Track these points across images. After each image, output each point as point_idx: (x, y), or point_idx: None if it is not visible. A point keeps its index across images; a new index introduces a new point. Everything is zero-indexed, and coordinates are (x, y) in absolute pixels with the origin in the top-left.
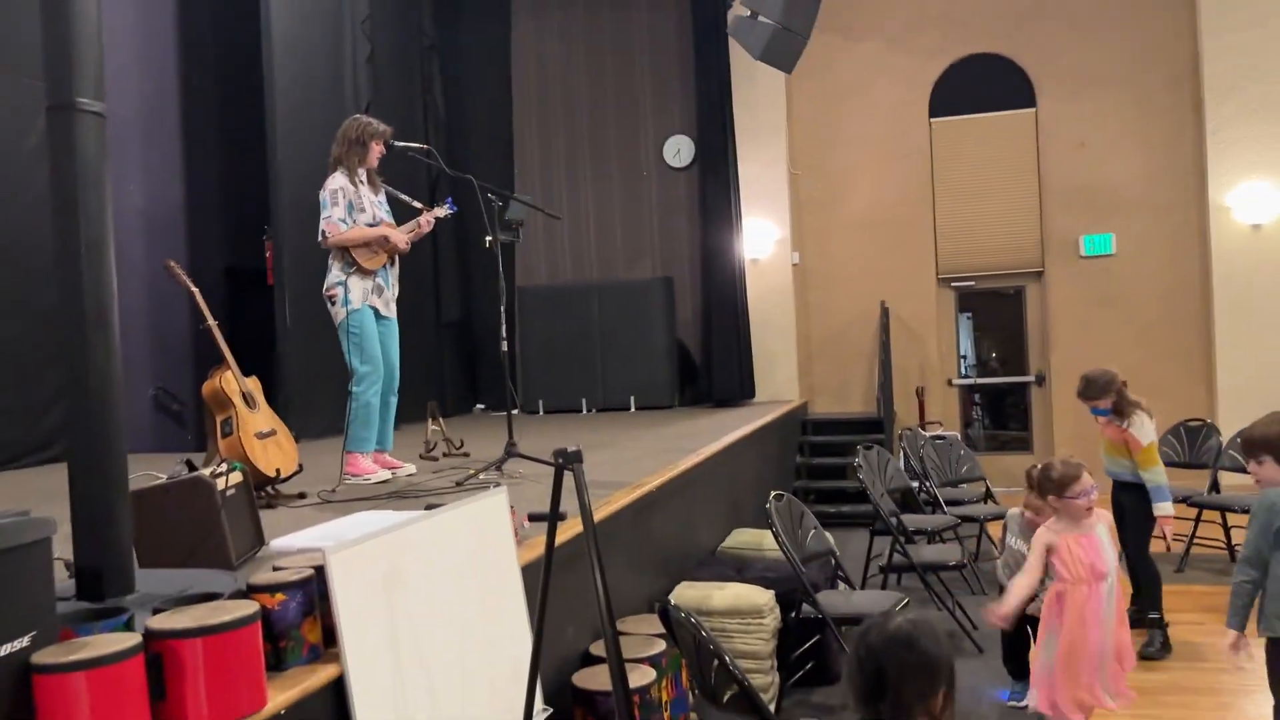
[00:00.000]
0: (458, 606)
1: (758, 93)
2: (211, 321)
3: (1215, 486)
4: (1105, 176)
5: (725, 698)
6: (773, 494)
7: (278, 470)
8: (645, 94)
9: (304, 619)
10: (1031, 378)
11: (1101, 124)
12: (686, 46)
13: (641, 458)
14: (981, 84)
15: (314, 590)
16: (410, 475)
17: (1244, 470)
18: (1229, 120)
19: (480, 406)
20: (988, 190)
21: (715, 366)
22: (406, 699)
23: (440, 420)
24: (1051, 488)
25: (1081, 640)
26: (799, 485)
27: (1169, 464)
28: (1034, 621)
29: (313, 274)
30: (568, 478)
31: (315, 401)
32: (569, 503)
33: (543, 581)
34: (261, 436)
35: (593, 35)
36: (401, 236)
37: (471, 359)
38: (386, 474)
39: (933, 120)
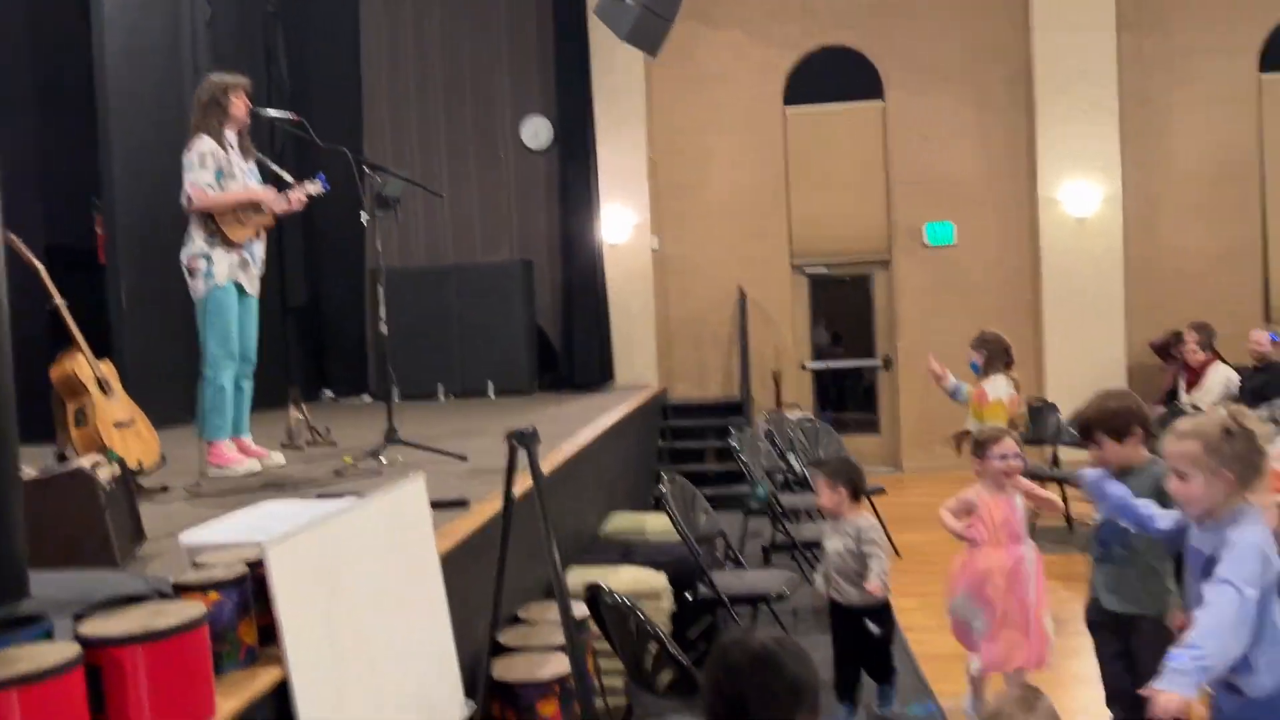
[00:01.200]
0: (385, 597)
1: (617, 77)
2: (59, 300)
3: (1055, 461)
4: (947, 169)
5: (665, 683)
6: (664, 475)
7: (140, 463)
8: (502, 73)
9: (240, 620)
10: (879, 361)
11: (944, 119)
12: (546, 26)
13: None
14: (834, 75)
15: (249, 588)
16: (280, 465)
17: (1081, 446)
18: (1058, 119)
19: (329, 394)
20: (839, 180)
21: (575, 351)
22: (345, 696)
23: (303, 408)
24: (975, 449)
25: (1013, 602)
26: (661, 469)
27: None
28: (876, 617)
29: (151, 251)
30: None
31: (155, 390)
32: (472, 488)
33: (499, 560)
34: (120, 426)
35: (448, 8)
36: (280, 203)
37: (319, 344)
38: (255, 463)
39: (788, 109)
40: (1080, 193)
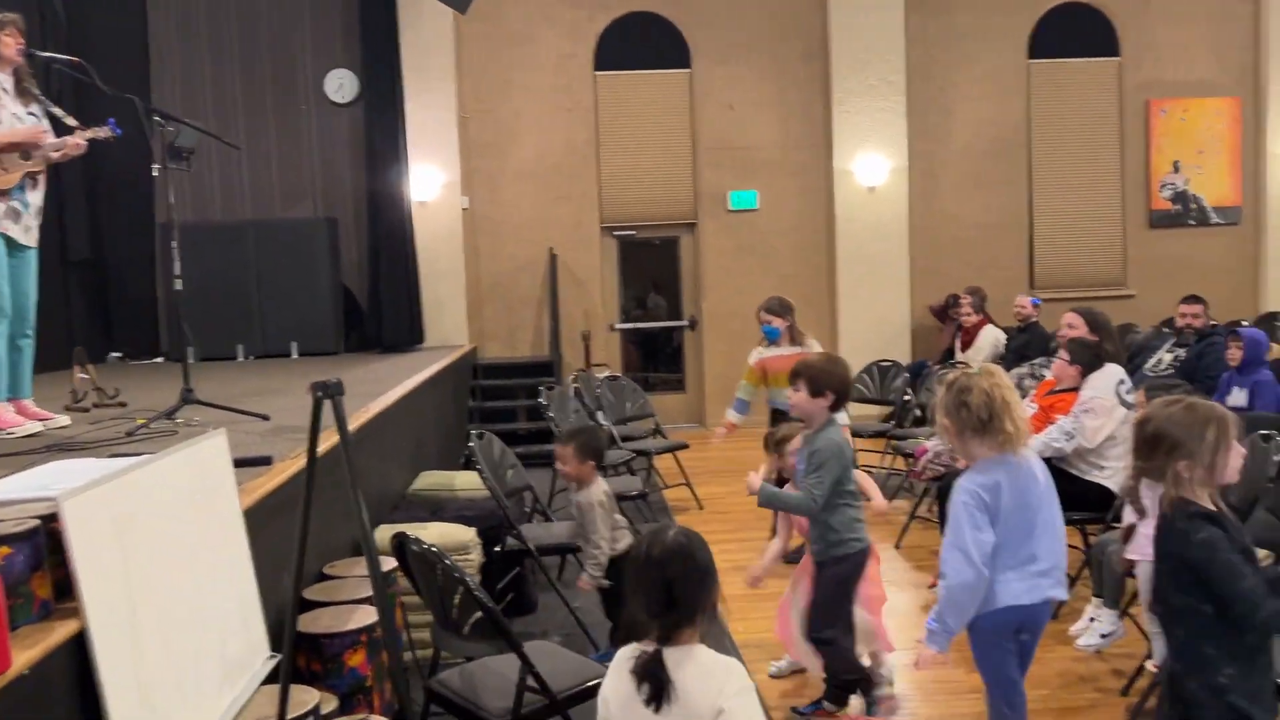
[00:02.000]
0: (185, 551)
1: (426, 33)
2: None
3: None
4: (750, 138)
5: (468, 625)
6: (473, 432)
7: None
8: (304, 21)
9: (33, 573)
10: (685, 322)
11: (747, 89)
12: None
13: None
14: (643, 42)
15: (42, 542)
16: (63, 427)
17: (866, 401)
18: (852, 93)
19: (116, 355)
20: (648, 145)
21: (384, 311)
22: (145, 649)
23: (89, 368)
24: (774, 446)
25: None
26: (472, 428)
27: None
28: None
29: None
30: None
31: None
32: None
33: (303, 513)
34: None
35: None
36: (55, 146)
37: (105, 302)
38: (36, 425)
39: (598, 74)
40: (870, 164)
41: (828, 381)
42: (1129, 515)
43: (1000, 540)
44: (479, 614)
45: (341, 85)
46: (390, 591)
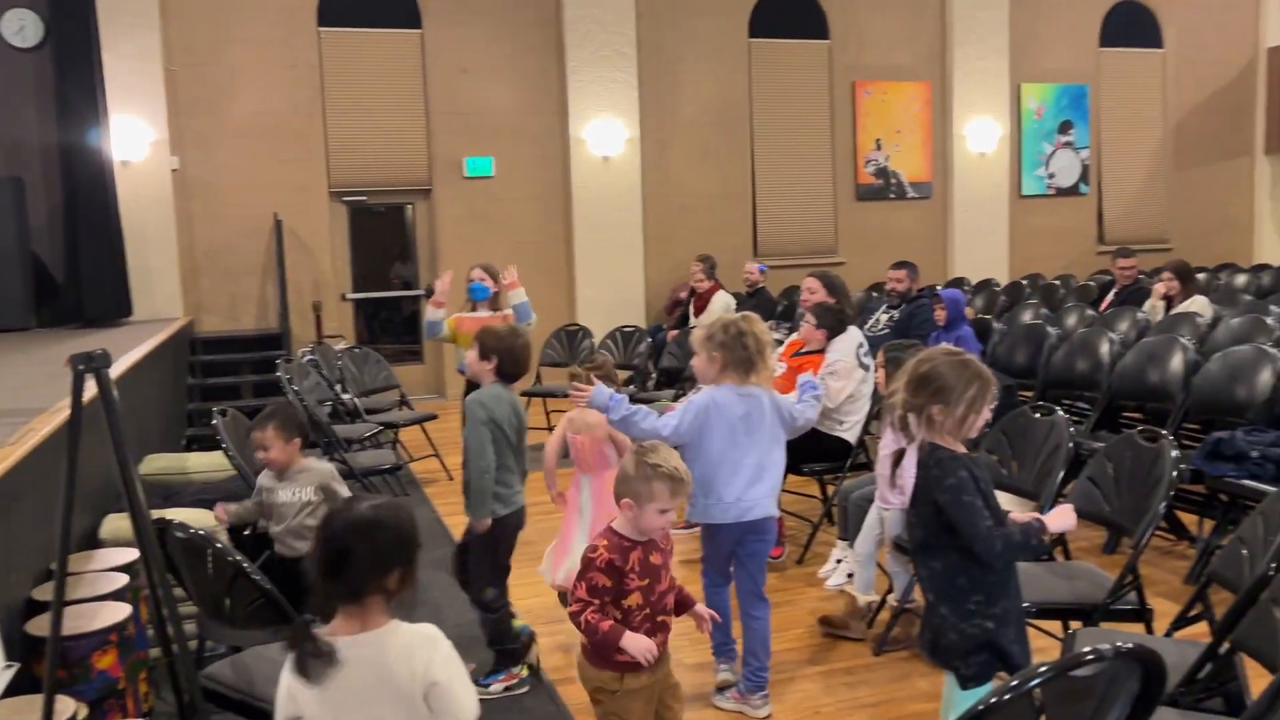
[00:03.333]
0: None
1: None
2: None
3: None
4: (485, 103)
5: (245, 610)
6: (216, 410)
7: None
8: None
9: None
10: (422, 291)
11: (481, 53)
12: None
13: (25, 386)
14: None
15: None
16: None
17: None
18: (585, 62)
19: None
20: (378, 107)
21: (84, 282)
22: None
23: None
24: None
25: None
26: (193, 407)
27: (551, 364)
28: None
29: None
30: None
31: None
32: None
33: (65, 503)
34: None
35: None
36: None
37: None
38: None
39: (322, 30)
40: (605, 134)
41: (495, 347)
42: (883, 462)
43: (727, 456)
44: (257, 599)
45: (23, 27)
46: (134, 586)
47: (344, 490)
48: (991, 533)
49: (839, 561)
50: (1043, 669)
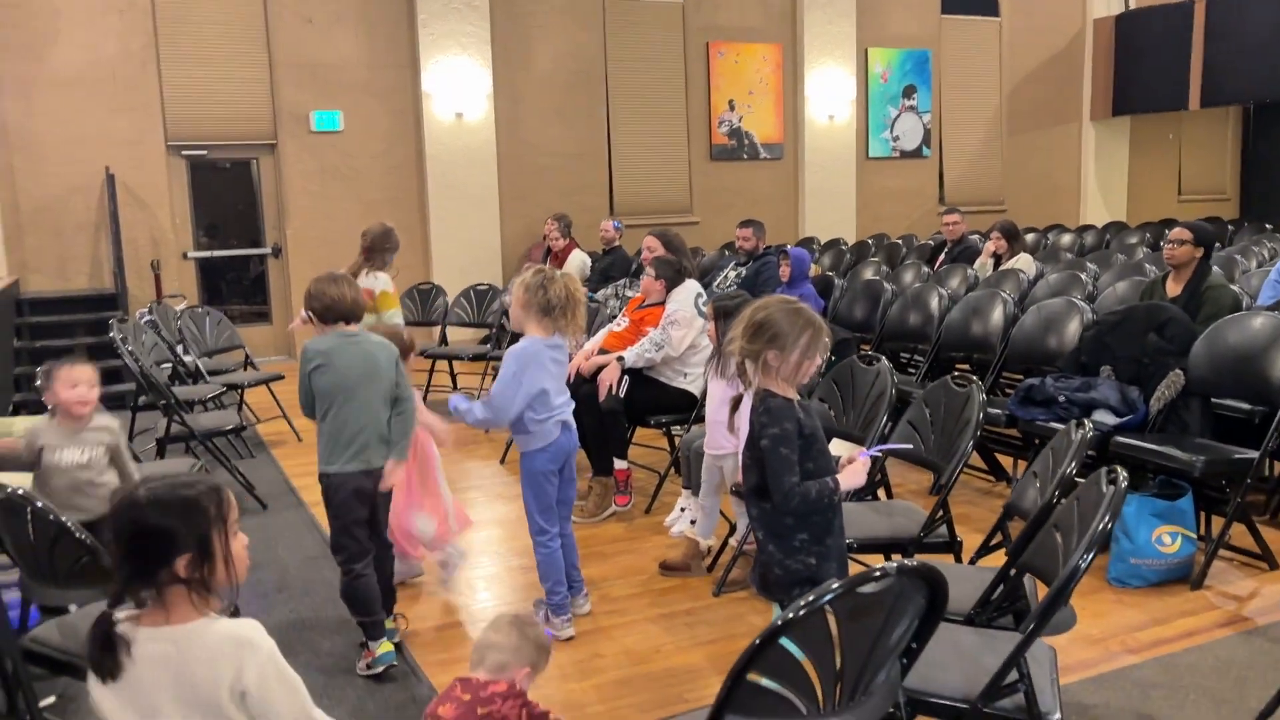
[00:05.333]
0: None
1: None
2: None
3: (444, 340)
4: (333, 55)
5: (69, 570)
6: (40, 369)
7: None
8: None
9: None
10: (269, 249)
11: (327, 3)
12: None
13: None
14: None
15: None
16: None
17: (465, 325)
18: (436, 15)
19: None
20: (218, 57)
21: None
22: None
23: None
24: None
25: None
26: (20, 372)
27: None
28: None
29: None
30: None
31: None
32: None
33: None
34: None
35: None
36: None
37: None
38: None
39: None
40: (459, 88)
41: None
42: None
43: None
44: (82, 558)
45: None
46: None
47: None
48: (792, 490)
49: (683, 510)
50: (835, 586)
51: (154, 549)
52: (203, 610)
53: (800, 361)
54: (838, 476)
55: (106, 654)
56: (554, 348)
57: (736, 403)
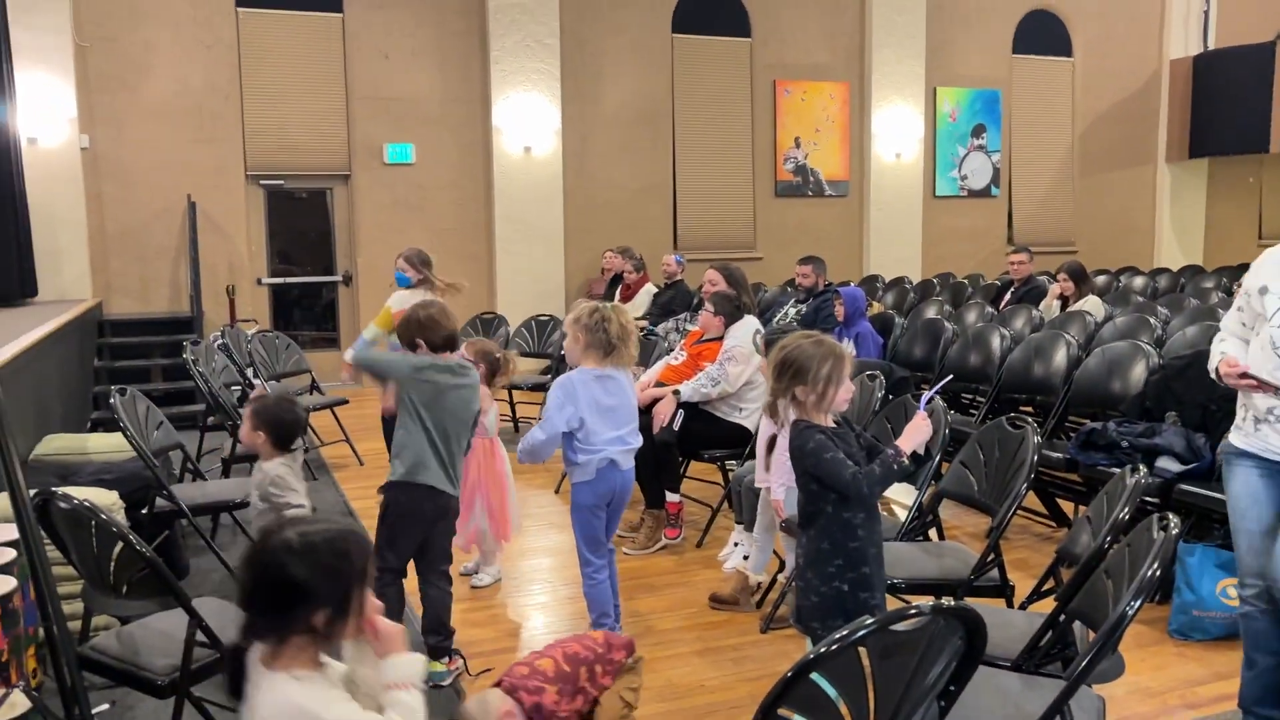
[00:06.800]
0: None
1: None
2: None
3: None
4: (407, 90)
5: (129, 582)
6: (115, 389)
7: None
8: None
9: None
10: (339, 277)
11: (404, 39)
12: None
13: None
14: None
15: None
16: None
17: (526, 354)
18: (508, 52)
19: None
20: (297, 91)
21: None
22: None
23: None
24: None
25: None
26: (99, 390)
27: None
28: None
29: None
30: None
31: None
32: None
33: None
34: None
35: None
36: None
37: None
38: None
39: (240, 10)
40: (527, 124)
41: (417, 331)
42: (762, 442)
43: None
44: (142, 570)
45: None
46: (22, 562)
47: (289, 499)
48: (856, 477)
49: (736, 545)
50: (869, 622)
51: (291, 601)
52: (307, 663)
53: (825, 390)
54: (897, 443)
55: (236, 682)
56: (605, 378)
57: (772, 442)
